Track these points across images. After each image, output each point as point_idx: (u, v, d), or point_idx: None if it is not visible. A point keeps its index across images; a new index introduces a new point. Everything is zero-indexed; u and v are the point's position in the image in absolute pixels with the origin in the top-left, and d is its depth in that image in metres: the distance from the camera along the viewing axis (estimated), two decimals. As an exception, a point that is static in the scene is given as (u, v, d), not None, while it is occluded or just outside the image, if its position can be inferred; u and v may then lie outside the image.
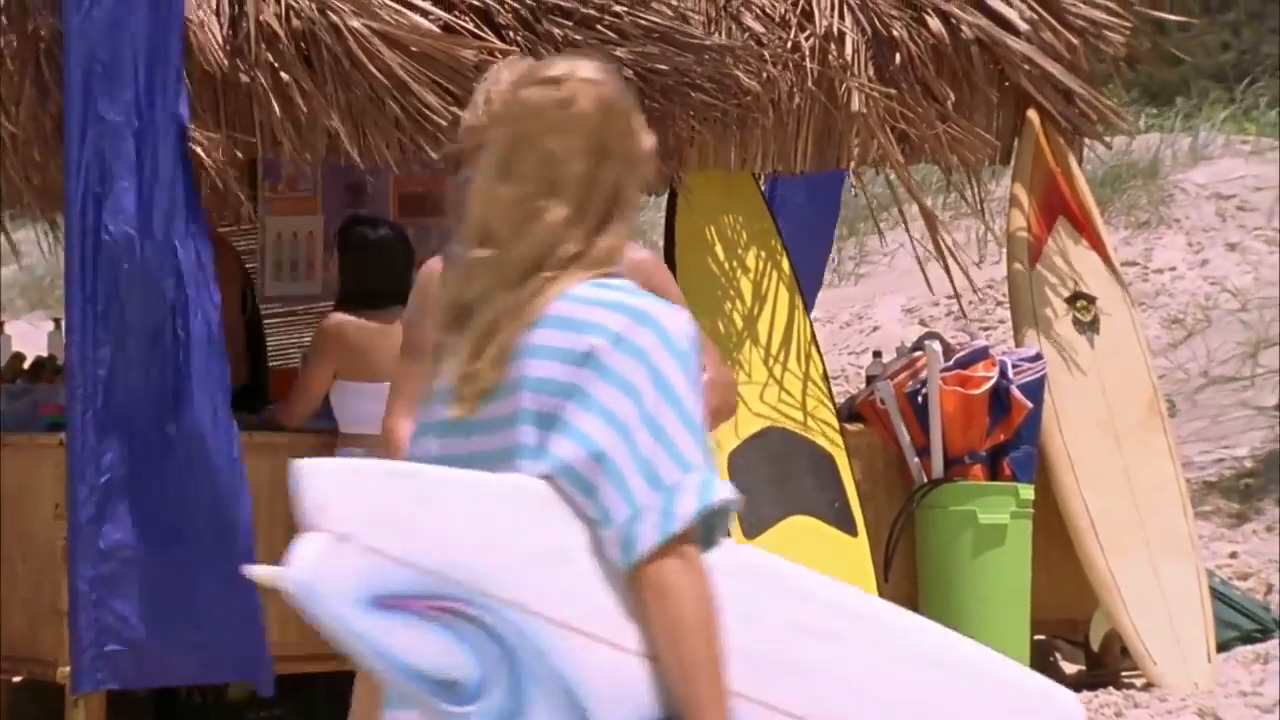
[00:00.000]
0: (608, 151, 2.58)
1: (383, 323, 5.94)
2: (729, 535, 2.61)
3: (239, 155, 5.83)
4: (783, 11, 6.40)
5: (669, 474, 2.49)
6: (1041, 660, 6.95)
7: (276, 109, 5.70)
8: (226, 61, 5.71)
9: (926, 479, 6.54)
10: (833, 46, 6.42)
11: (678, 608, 2.47)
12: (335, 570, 2.45)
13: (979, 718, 2.61)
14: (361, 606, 2.43)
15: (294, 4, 5.79)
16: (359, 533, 2.44)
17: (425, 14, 5.92)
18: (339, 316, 6.05)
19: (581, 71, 2.59)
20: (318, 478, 2.48)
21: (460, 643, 2.43)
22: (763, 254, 6.67)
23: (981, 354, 6.68)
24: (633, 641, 2.49)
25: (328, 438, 6.01)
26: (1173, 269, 11.50)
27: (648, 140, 2.64)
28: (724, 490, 2.52)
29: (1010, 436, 6.59)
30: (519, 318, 2.52)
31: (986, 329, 10.62)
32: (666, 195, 6.77)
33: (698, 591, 2.48)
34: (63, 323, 5.85)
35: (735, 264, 6.63)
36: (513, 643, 2.44)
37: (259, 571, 2.55)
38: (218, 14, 5.76)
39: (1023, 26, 6.66)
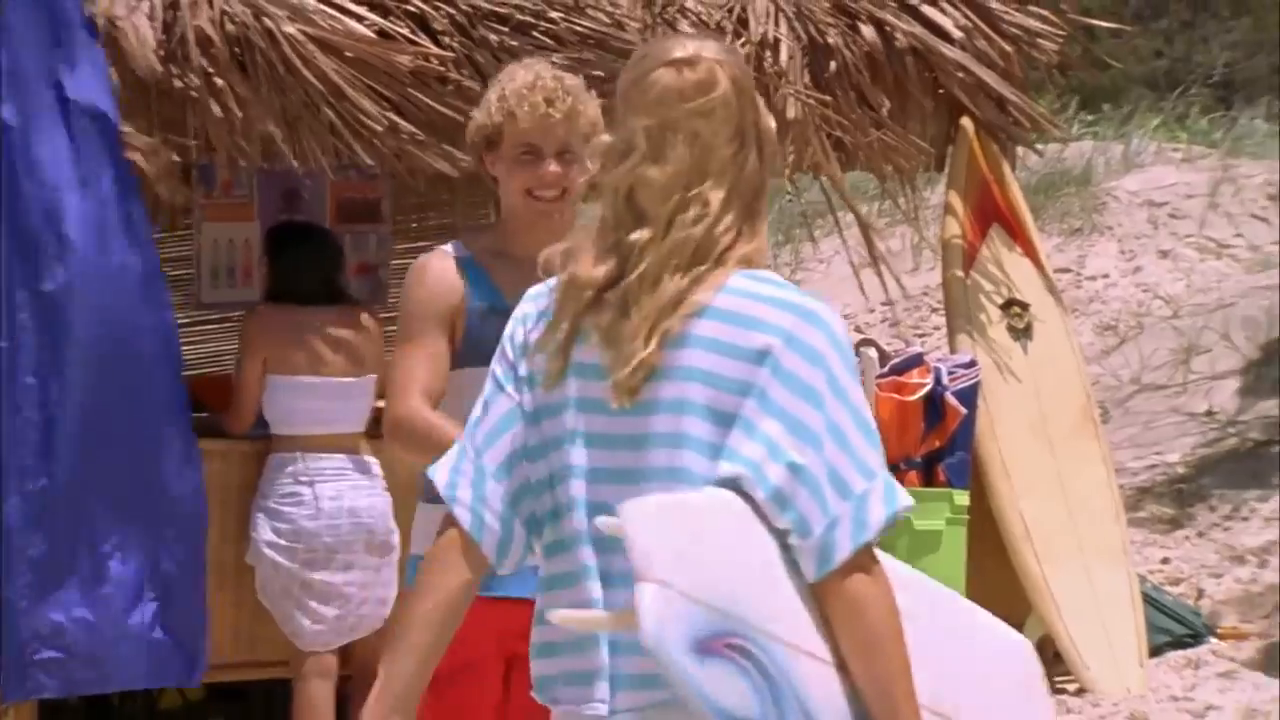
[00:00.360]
0: (746, 133, 2.58)
1: (310, 317, 5.93)
2: None
3: (176, 160, 5.80)
4: (718, 19, 6.42)
5: (856, 482, 2.49)
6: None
7: (212, 114, 5.67)
8: (160, 67, 5.68)
9: (862, 485, 6.55)
10: (768, 54, 6.43)
11: (872, 620, 2.47)
12: (670, 619, 2.42)
13: (1005, 682, 2.65)
14: (689, 654, 2.41)
15: (228, 9, 5.76)
16: (674, 579, 2.42)
17: (361, 19, 5.91)
18: (263, 307, 6.05)
19: (708, 51, 2.59)
20: (643, 521, 2.44)
21: (745, 679, 2.42)
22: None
23: (916, 360, 6.70)
24: (832, 655, 2.47)
25: (264, 443, 5.98)
26: (1106, 276, 11.58)
27: (772, 121, 2.64)
28: (905, 497, 2.53)
29: (945, 443, 6.62)
30: (683, 306, 2.53)
31: (921, 335, 10.67)
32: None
33: (888, 602, 2.49)
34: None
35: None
36: (772, 672, 2.43)
37: (574, 616, 2.53)
38: (151, 19, 5.73)
39: (957, 34, 6.70)
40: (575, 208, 3.58)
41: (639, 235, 2.55)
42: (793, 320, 2.52)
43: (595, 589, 2.55)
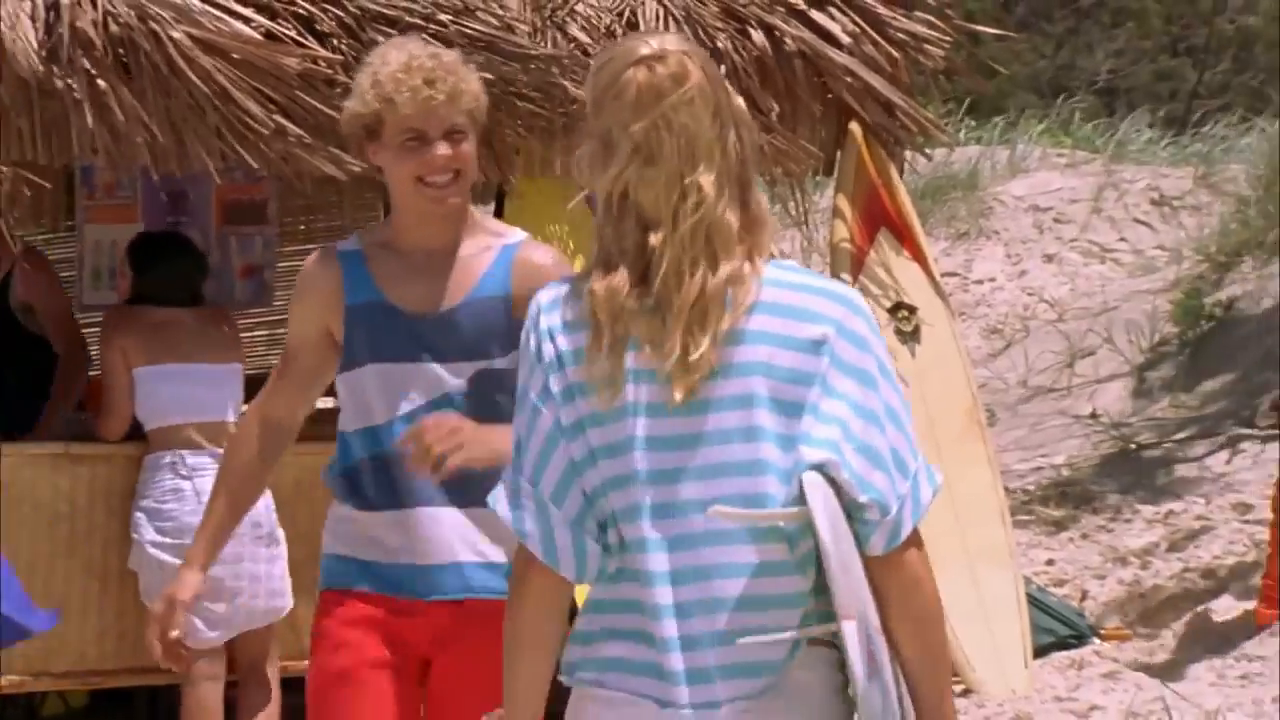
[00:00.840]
0: (724, 116, 2.63)
1: (169, 315, 5.91)
2: None
3: (54, 161, 5.73)
4: (608, 22, 6.41)
5: (910, 461, 2.62)
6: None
7: (91, 117, 5.60)
8: (41, 67, 5.61)
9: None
10: (658, 57, 6.44)
11: (927, 593, 2.62)
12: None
13: None
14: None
15: (112, 10, 5.70)
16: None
17: (247, 21, 5.86)
18: (122, 306, 6.05)
19: (672, 44, 2.64)
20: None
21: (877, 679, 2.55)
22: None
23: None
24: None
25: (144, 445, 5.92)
26: (992, 280, 11.68)
27: (741, 101, 2.71)
28: (939, 475, 2.68)
29: (833, 445, 6.63)
30: (734, 304, 2.58)
31: (810, 339, 10.70)
32: (493, 204, 6.75)
33: (934, 581, 2.64)
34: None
35: (561, 274, 6.63)
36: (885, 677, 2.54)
37: (732, 512, 2.58)
38: (33, 19, 5.65)
39: (845, 39, 6.73)
40: (469, 191, 3.43)
41: (652, 237, 2.59)
42: (842, 311, 2.62)
43: (665, 594, 2.58)
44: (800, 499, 2.57)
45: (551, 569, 2.62)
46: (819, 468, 2.56)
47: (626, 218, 2.61)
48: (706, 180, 2.60)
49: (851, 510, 2.58)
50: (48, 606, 5.70)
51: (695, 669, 2.57)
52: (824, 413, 2.58)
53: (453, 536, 3.43)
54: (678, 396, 2.56)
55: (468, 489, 3.35)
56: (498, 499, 2.66)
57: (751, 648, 2.55)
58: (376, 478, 3.43)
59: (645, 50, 2.63)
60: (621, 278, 2.59)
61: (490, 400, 3.39)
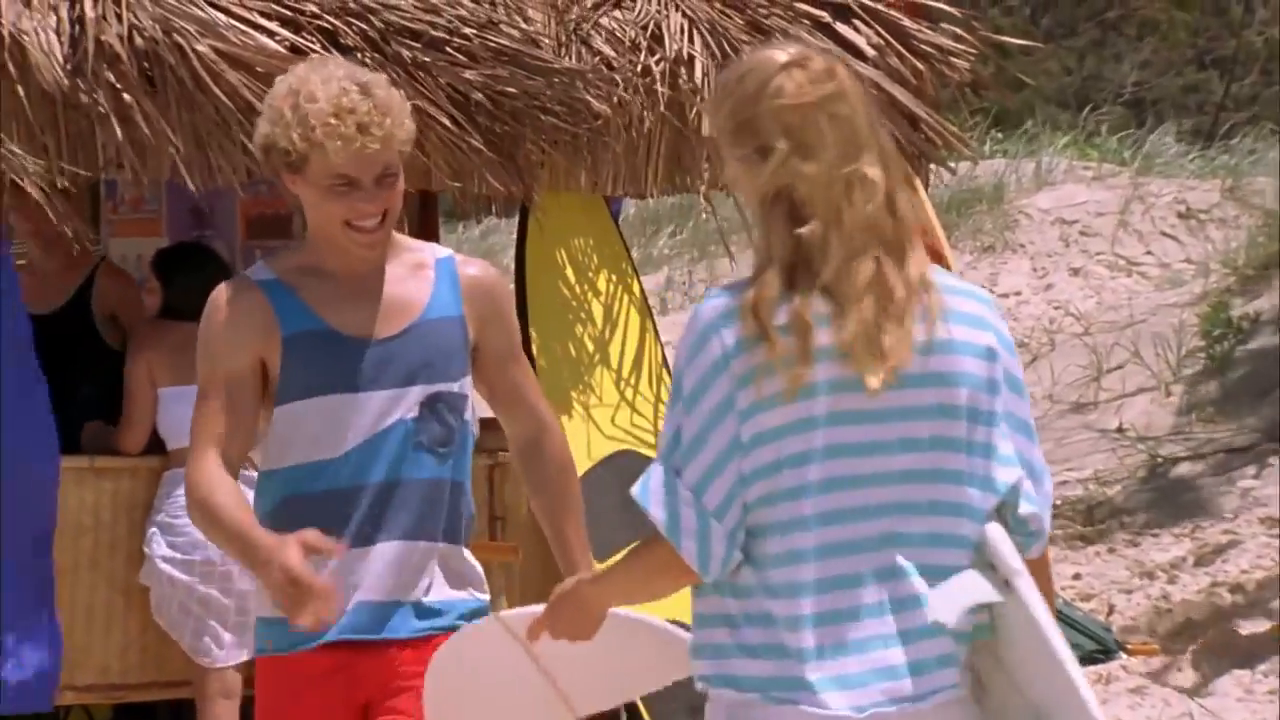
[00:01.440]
0: (873, 113, 2.69)
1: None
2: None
3: (80, 176, 5.74)
4: (633, 35, 6.41)
5: (1045, 467, 2.77)
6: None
7: (118, 131, 5.61)
8: (66, 81, 5.61)
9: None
10: (683, 70, 6.43)
11: (1052, 585, 2.74)
12: None
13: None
14: None
15: (137, 23, 5.70)
16: None
17: (272, 35, 5.86)
18: (153, 319, 6.04)
19: (811, 49, 2.71)
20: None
21: None
22: (614, 277, 6.67)
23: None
24: None
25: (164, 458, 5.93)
26: (1018, 293, 11.65)
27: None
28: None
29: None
30: (929, 310, 2.63)
31: (835, 352, 10.68)
32: (517, 218, 6.74)
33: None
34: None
35: (586, 287, 6.62)
36: None
37: None
38: (58, 32, 5.66)
39: (869, 52, 6.71)
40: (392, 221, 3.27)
41: (815, 232, 2.61)
42: (994, 315, 2.70)
43: (808, 604, 2.62)
44: (990, 513, 2.67)
45: (698, 575, 2.64)
46: (1013, 489, 2.68)
47: (785, 218, 2.64)
48: (873, 171, 2.64)
49: (1014, 523, 2.68)
50: (71, 620, 5.71)
51: (841, 676, 2.61)
52: (1002, 424, 2.67)
53: (413, 571, 3.26)
54: (873, 384, 2.59)
55: (422, 522, 3.24)
56: (649, 498, 2.64)
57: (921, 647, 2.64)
58: (327, 514, 3.20)
59: (784, 57, 2.68)
60: (795, 282, 2.61)
61: (444, 424, 3.26)
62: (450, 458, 3.27)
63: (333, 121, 3.15)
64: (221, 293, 3.28)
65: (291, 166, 3.21)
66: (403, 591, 3.25)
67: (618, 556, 6.32)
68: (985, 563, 2.66)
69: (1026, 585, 2.62)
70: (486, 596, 3.36)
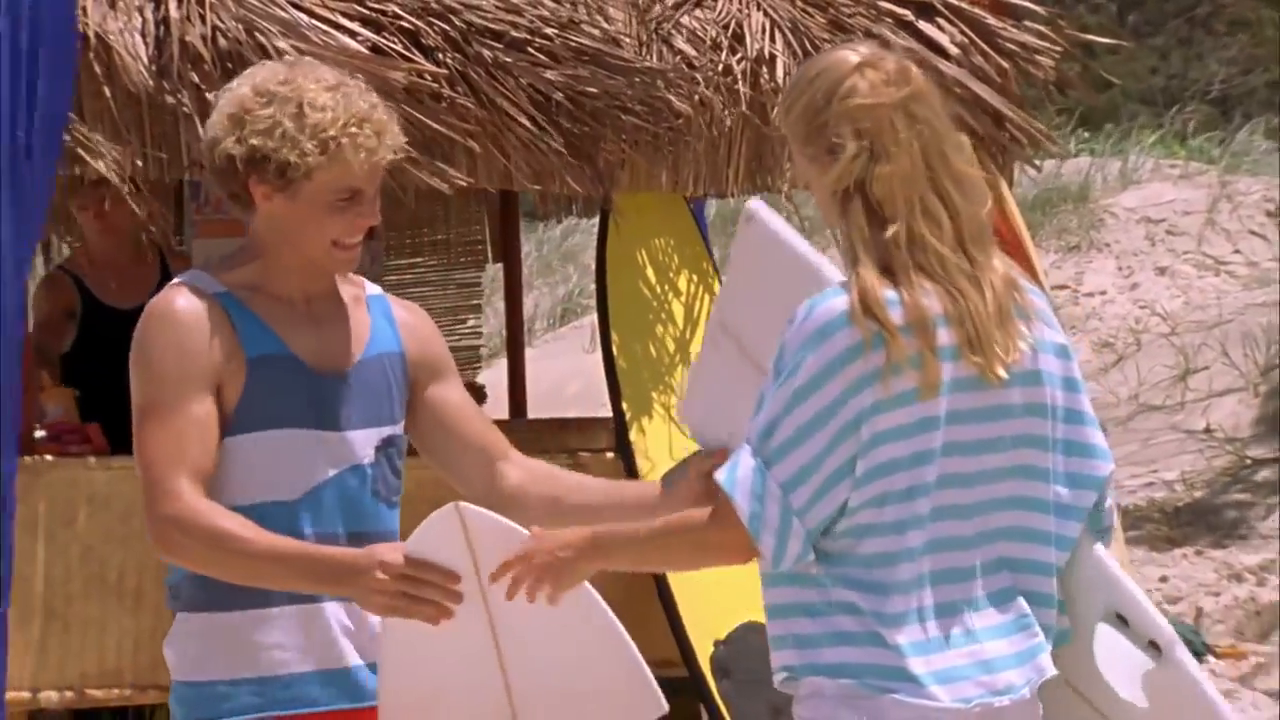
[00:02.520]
0: (948, 118, 2.71)
1: None
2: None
3: (166, 178, 5.77)
4: (714, 34, 6.39)
5: None
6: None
7: (202, 131, 5.63)
8: (151, 82, 5.65)
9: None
10: (764, 69, 6.41)
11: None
12: None
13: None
14: None
15: (220, 24, 5.74)
16: None
17: (354, 35, 5.88)
18: None
19: (886, 50, 2.72)
20: None
21: None
22: (694, 277, 6.66)
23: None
24: None
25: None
26: (1103, 293, 11.56)
27: None
28: None
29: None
30: (1021, 309, 2.65)
31: (918, 352, 10.63)
32: (598, 218, 6.74)
33: None
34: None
35: (667, 287, 6.61)
36: None
37: None
38: (142, 34, 5.70)
39: (953, 50, 6.67)
40: None
41: (896, 230, 2.61)
42: (1051, 311, 2.72)
43: (928, 595, 2.62)
44: (1085, 510, 2.70)
45: (768, 566, 2.65)
46: (1107, 480, 2.74)
47: (863, 216, 2.63)
48: (956, 171, 2.65)
49: (1095, 517, 2.74)
50: (137, 616, 5.71)
51: (946, 670, 2.62)
52: (1089, 420, 2.70)
53: (370, 631, 2.92)
54: (995, 381, 2.60)
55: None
56: (736, 487, 2.62)
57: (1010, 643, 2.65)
58: None
59: (857, 57, 2.68)
60: (896, 281, 2.61)
61: (395, 471, 2.97)
62: (396, 508, 2.99)
63: (354, 130, 2.90)
64: (174, 301, 2.91)
65: (285, 182, 2.90)
66: (365, 654, 2.93)
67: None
68: (1082, 578, 2.69)
69: (1185, 654, 2.66)
70: None
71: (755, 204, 2.94)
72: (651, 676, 2.91)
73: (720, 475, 2.63)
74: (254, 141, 2.90)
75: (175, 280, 2.98)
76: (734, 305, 2.90)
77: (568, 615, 2.78)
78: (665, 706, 2.92)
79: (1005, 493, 2.66)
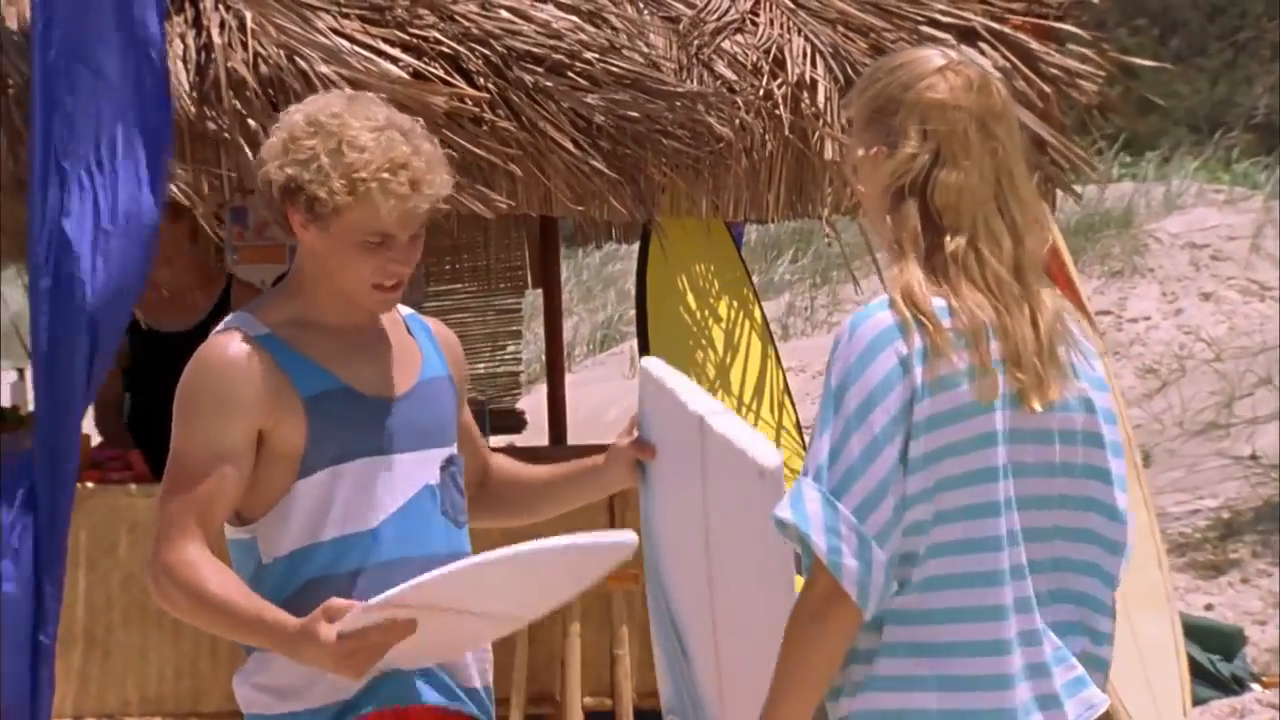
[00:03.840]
0: (1018, 127, 2.67)
1: None
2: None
3: (207, 202, 5.79)
4: (755, 59, 6.38)
5: None
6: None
7: (245, 156, 5.64)
8: (194, 109, 5.66)
9: (900, 530, 6.48)
10: (805, 94, 6.39)
11: None
12: None
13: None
14: None
15: (262, 51, 5.74)
16: None
17: (395, 61, 5.88)
18: None
19: (969, 59, 2.67)
20: None
21: None
22: (735, 303, 6.63)
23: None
24: None
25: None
26: (1147, 318, 11.50)
27: None
28: None
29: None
30: (1068, 337, 2.62)
31: (961, 378, 10.59)
32: (638, 244, 6.72)
33: None
34: (27, 373, 5.76)
35: (707, 312, 6.59)
36: None
37: None
38: (184, 60, 5.71)
39: (995, 75, 6.64)
40: None
41: (958, 243, 2.56)
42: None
43: (1011, 626, 2.54)
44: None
45: (858, 608, 2.49)
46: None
47: (918, 218, 2.57)
48: (1024, 192, 2.61)
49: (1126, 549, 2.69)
50: (178, 644, 5.71)
51: (1044, 697, 2.58)
52: (1121, 451, 2.62)
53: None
54: (1037, 404, 2.54)
55: None
56: (809, 524, 2.48)
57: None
58: (358, 598, 2.85)
59: (942, 59, 2.63)
60: (945, 293, 2.55)
61: (460, 490, 3.01)
62: (463, 527, 3.02)
63: (386, 176, 2.87)
64: (219, 350, 2.92)
65: (316, 215, 2.90)
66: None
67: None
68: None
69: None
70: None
71: (646, 360, 2.95)
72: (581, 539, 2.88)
73: (785, 514, 2.50)
74: (290, 171, 2.91)
75: (221, 326, 2.99)
76: (651, 484, 2.92)
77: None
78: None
79: (1069, 522, 2.58)
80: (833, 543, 2.48)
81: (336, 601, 2.80)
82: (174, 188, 5.56)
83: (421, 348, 3.07)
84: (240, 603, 2.86)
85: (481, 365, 8.78)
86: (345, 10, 5.95)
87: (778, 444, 6.61)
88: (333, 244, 2.92)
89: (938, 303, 2.53)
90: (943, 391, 2.51)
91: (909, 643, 2.52)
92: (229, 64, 5.68)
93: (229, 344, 2.92)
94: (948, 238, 2.55)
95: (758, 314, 6.68)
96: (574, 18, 6.11)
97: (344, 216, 2.89)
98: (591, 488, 3.08)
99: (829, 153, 6.36)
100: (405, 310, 3.13)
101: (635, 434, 2.97)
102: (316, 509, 2.91)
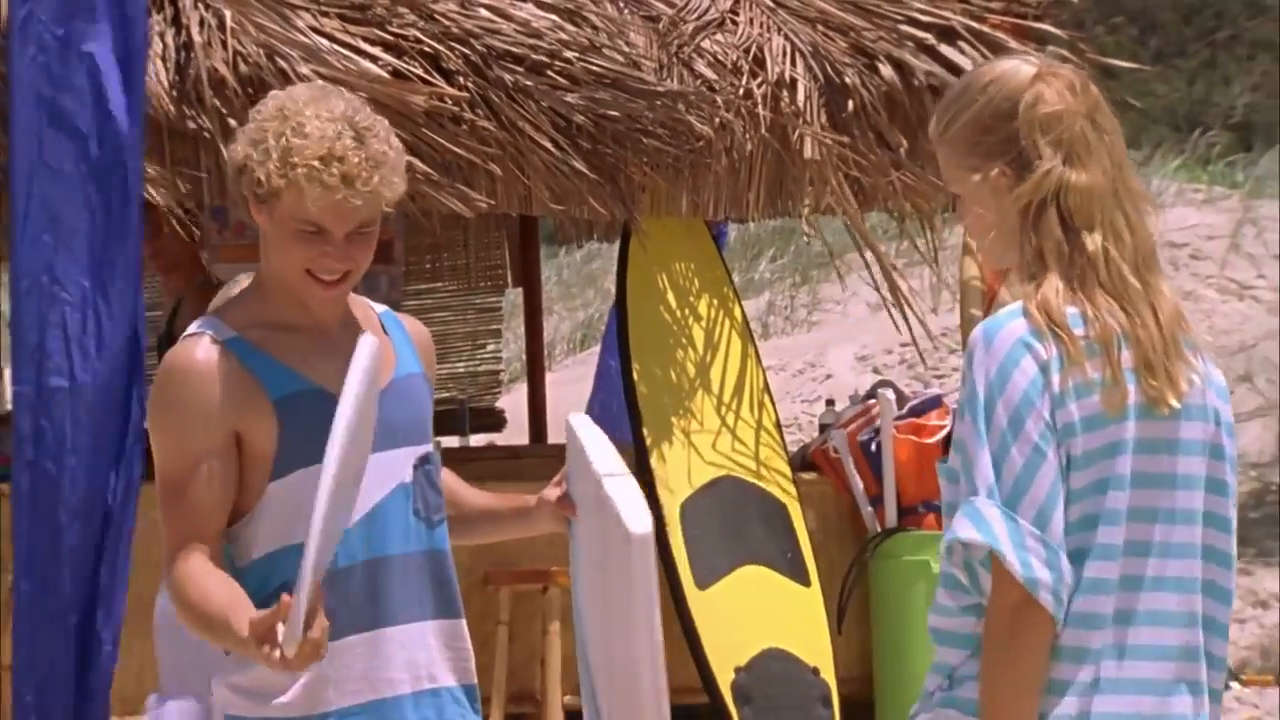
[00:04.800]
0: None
1: None
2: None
3: (198, 201, 5.79)
4: (735, 58, 6.38)
5: None
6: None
7: (224, 156, 5.64)
8: (173, 108, 5.66)
9: (880, 528, 6.50)
10: (785, 93, 6.40)
11: None
12: None
13: None
14: None
15: (242, 50, 5.74)
16: None
17: (375, 60, 5.88)
18: None
19: (1048, 62, 2.65)
20: None
21: None
22: (715, 301, 6.64)
23: (934, 403, 6.64)
24: None
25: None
26: (1126, 317, 11.50)
27: None
28: None
29: (964, 486, 6.54)
30: (1194, 344, 2.56)
31: (940, 377, 10.61)
32: (619, 243, 6.73)
33: None
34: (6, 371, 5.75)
35: (687, 311, 6.59)
36: None
37: None
38: (164, 59, 5.70)
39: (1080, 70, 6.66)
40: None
41: (1090, 242, 2.53)
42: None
43: (1122, 634, 2.51)
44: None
45: (1051, 616, 2.47)
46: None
47: (1059, 227, 2.54)
48: (1137, 185, 2.59)
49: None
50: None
51: (1139, 714, 2.52)
52: (1233, 461, 2.58)
53: (433, 657, 2.94)
54: (1165, 410, 2.50)
55: (421, 601, 2.92)
56: (999, 541, 2.45)
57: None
58: (336, 594, 2.83)
59: (1033, 68, 2.62)
60: (1078, 299, 2.52)
61: (434, 488, 2.96)
62: (438, 526, 2.97)
63: (316, 165, 2.83)
64: (187, 356, 2.88)
65: (260, 197, 2.88)
66: (424, 679, 2.94)
67: (719, 583, 6.31)
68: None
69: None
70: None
71: (573, 417, 2.97)
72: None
73: (971, 535, 2.47)
74: (244, 150, 2.89)
75: (188, 331, 2.95)
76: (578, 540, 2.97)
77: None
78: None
79: (1193, 539, 2.55)
80: (1023, 557, 2.46)
81: (286, 598, 2.72)
82: (151, 189, 5.56)
83: (396, 345, 3.04)
84: (211, 611, 2.82)
85: (462, 364, 8.78)
86: (325, 9, 5.94)
87: (757, 443, 6.62)
88: (276, 229, 2.89)
89: (1071, 311, 2.52)
90: (1077, 400, 2.49)
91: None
92: (209, 63, 5.67)
93: (195, 349, 2.89)
94: (1085, 238, 2.54)
95: (738, 312, 6.68)
96: (554, 16, 6.12)
97: (281, 200, 2.86)
98: (524, 526, 3.09)
99: (809, 151, 6.37)
100: (380, 308, 3.11)
101: (564, 486, 2.98)
102: (289, 511, 2.87)
